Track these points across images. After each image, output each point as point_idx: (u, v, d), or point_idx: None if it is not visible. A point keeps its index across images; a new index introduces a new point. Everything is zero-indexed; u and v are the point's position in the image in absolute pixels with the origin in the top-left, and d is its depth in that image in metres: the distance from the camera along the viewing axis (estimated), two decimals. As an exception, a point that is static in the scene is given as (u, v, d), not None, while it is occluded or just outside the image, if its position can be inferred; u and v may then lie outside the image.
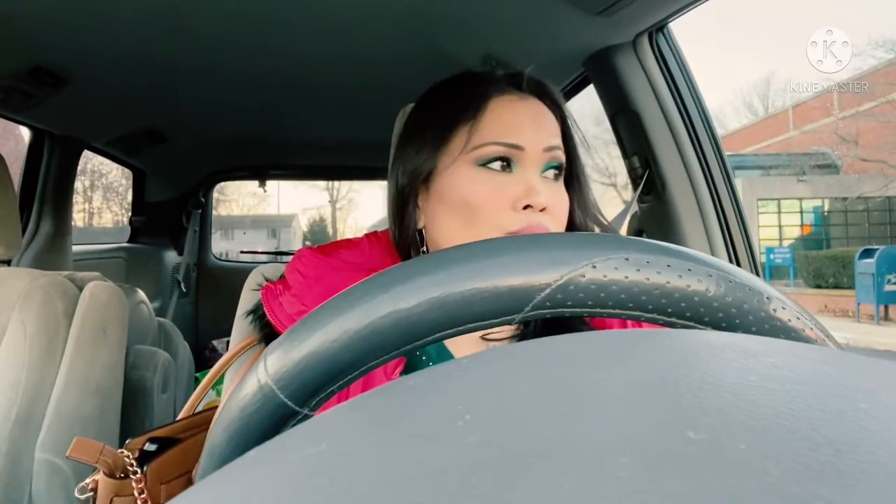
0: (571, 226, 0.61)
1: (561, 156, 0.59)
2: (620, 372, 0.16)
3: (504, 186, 0.55)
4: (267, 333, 0.68)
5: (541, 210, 0.55)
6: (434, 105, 0.62)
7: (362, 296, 0.25)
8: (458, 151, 0.57)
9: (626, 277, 0.24)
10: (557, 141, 0.59)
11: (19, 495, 0.94)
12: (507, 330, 0.60)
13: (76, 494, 0.63)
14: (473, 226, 0.56)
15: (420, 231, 0.61)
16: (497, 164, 0.56)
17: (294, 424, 0.26)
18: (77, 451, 0.61)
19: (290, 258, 0.75)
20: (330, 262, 0.62)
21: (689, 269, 0.24)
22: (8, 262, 1.12)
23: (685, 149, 1.06)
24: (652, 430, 0.13)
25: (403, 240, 0.61)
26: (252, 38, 1.23)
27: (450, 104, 0.60)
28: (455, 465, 0.13)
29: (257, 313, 0.70)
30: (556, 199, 0.57)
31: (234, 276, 1.22)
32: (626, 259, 0.24)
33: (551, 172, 0.58)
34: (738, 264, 1.06)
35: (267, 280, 0.68)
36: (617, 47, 1.08)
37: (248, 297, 0.83)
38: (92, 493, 0.63)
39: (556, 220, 0.56)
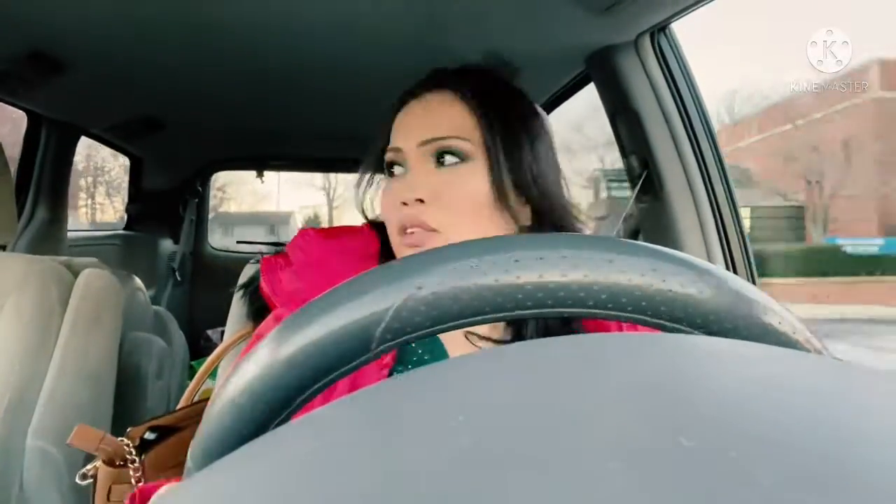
0: (490, 208, 0.58)
1: (450, 143, 0.58)
2: (614, 376, 0.16)
3: (394, 189, 0.60)
4: (258, 308, 0.68)
5: (418, 201, 0.57)
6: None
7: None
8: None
9: (476, 284, 0.24)
10: (444, 129, 0.58)
11: (10, 481, 0.94)
12: (499, 331, 0.60)
13: (77, 480, 0.63)
14: (389, 231, 0.61)
15: None
16: (394, 171, 0.61)
17: None
18: (78, 438, 0.61)
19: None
20: (332, 245, 0.64)
21: (564, 256, 0.24)
22: (3, 248, 1.11)
23: (684, 150, 1.06)
24: (644, 437, 0.13)
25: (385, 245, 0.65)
26: (252, 29, 1.22)
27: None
28: (447, 466, 0.13)
29: (249, 287, 0.70)
30: (449, 186, 0.57)
31: (230, 266, 1.22)
32: (473, 266, 0.24)
33: (447, 160, 0.58)
34: (734, 265, 1.07)
35: (237, 289, 0.69)
36: (619, 46, 1.08)
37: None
38: (92, 480, 0.63)
39: (444, 210, 0.57)
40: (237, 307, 0.82)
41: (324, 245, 0.64)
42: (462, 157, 0.58)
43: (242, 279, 0.83)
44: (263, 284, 0.64)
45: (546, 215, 0.60)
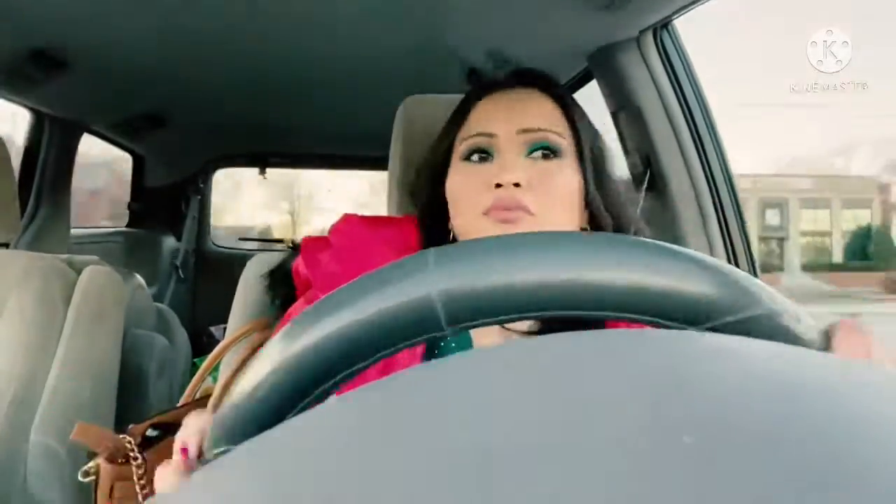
0: (587, 206, 0.62)
1: (549, 136, 0.60)
2: (617, 373, 0.16)
3: (480, 172, 0.60)
4: (283, 298, 0.69)
5: (515, 186, 0.57)
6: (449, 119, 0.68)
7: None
8: (454, 151, 0.63)
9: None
10: (542, 122, 0.61)
11: (14, 477, 0.94)
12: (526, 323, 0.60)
13: (80, 478, 0.64)
14: (461, 214, 0.61)
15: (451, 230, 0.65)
16: (476, 157, 0.61)
17: None
18: (80, 435, 0.61)
19: (285, 245, 0.76)
20: (373, 233, 0.65)
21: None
22: (6, 245, 1.12)
23: (686, 147, 1.06)
24: (646, 434, 0.13)
25: (430, 234, 0.66)
26: (255, 26, 1.22)
27: (454, 113, 0.66)
28: (447, 464, 0.13)
29: (277, 274, 0.71)
30: (544, 176, 0.59)
31: (232, 263, 1.23)
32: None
33: (540, 153, 0.60)
34: (737, 263, 1.07)
35: (269, 268, 0.69)
36: (621, 43, 1.07)
37: (246, 285, 0.83)
38: (94, 478, 0.63)
39: (541, 197, 0.58)
40: (240, 304, 0.82)
41: (365, 232, 0.65)
42: (555, 152, 0.60)
43: (246, 273, 0.83)
44: (302, 263, 0.64)
45: (606, 220, 0.63)
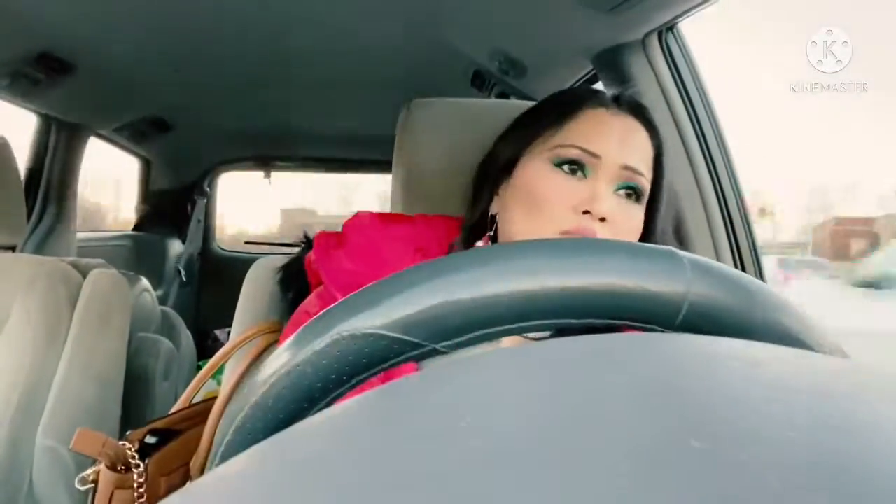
0: None
1: (641, 180, 0.60)
2: (625, 377, 0.16)
3: (570, 188, 0.58)
4: (298, 289, 0.69)
5: (600, 219, 0.56)
6: (534, 109, 0.66)
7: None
8: (539, 148, 0.61)
9: None
10: (640, 164, 0.60)
11: (19, 480, 0.95)
12: None
13: (77, 486, 0.63)
14: (534, 219, 0.59)
15: (493, 217, 0.64)
16: (568, 167, 0.59)
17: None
18: (80, 443, 0.61)
19: (293, 249, 0.76)
20: (387, 232, 0.65)
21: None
22: (12, 248, 1.12)
23: (692, 150, 1.06)
24: (654, 438, 0.13)
25: (472, 222, 0.65)
26: (259, 30, 1.23)
27: (545, 108, 0.64)
28: (456, 468, 0.13)
29: (291, 268, 0.71)
30: (624, 216, 0.58)
31: (237, 267, 1.24)
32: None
33: (624, 192, 0.59)
34: (744, 267, 1.06)
35: (274, 271, 0.69)
36: (626, 45, 1.07)
37: (250, 288, 0.83)
38: (93, 485, 0.63)
39: (617, 235, 0.57)
40: (244, 307, 0.82)
41: (379, 230, 0.65)
42: (639, 197, 0.60)
43: (250, 277, 0.83)
44: (315, 259, 0.64)
45: None
